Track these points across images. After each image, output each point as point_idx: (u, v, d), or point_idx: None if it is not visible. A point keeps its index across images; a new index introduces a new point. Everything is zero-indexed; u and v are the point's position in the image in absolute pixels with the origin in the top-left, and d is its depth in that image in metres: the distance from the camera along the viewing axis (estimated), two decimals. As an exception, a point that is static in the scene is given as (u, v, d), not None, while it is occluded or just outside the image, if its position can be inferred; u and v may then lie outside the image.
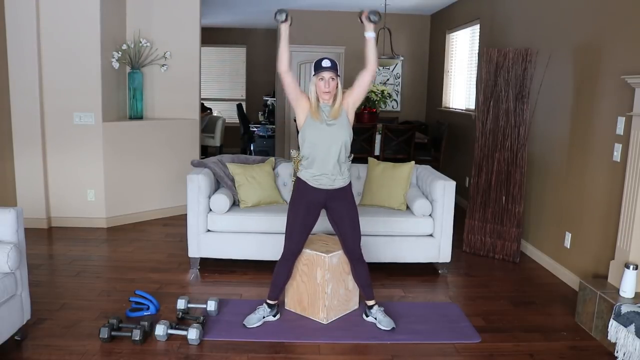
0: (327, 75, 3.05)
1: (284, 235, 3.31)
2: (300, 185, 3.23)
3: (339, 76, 3.10)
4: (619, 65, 3.63)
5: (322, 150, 3.11)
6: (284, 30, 3.07)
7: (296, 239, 3.25)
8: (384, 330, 3.28)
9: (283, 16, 3.04)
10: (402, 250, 4.23)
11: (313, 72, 3.11)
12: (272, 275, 3.36)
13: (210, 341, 3.12)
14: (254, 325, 3.27)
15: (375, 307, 3.38)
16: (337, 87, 3.09)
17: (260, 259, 4.20)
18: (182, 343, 3.07)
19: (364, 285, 3.38)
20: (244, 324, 3.26)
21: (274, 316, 3.38)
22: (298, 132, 3.23)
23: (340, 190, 3.21)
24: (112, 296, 3.73)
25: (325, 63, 3.05)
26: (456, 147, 6.96)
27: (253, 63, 11.31)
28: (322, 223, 3.79)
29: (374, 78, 3.14)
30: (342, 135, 3.11)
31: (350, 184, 3.29)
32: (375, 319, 3.36)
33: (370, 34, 3.08)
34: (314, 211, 3.25)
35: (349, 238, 3.28)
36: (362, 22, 3.10)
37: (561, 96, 4.41)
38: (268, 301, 3.37)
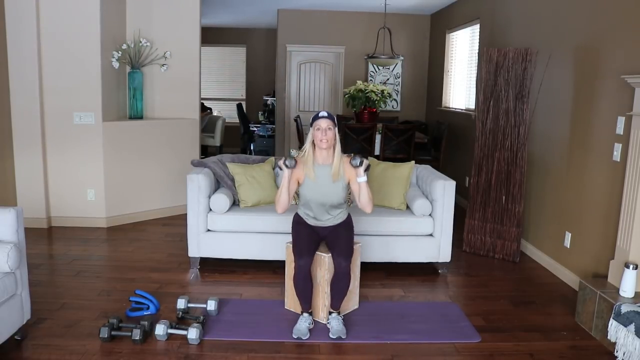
0: (323, 124, 3.14)
1: (291, 250, 3.36)
2: (298, 218, 3.43)
3: (336, 127, 3.19)
4: (619, 65, 3.63)
5: (318, 205, 3.28)
6: (287, 175, 3.20)
7: (305, 250, 3.23)
8: (330, 337, 3.19)
9: (293, 163, 3.16)
10: (402, 250, 4.23)
11: (310, 124, 3.22)
12: (294, 286, 3.31)
13: (210, 341, 3.12)
14: (307, 337, 3.18)
15: (335, 314, 3.30)
16: (334, 138, 3.19)
17: (261, 259, 4.21)
18: (182, 343, 3.07)
19: (336, 297, 3.28)
20: (299, 337, 3.15)
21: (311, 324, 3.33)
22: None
23: (338, 224, 3.38)
24: (112, 296, 3.73)
25: (322, 114, 3.18)
26: (456, 146, 6.96)
27: (253, 63, 11.32)
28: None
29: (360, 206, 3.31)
30: (338, 197, 3.27)
31: (349, 217, 3.44)
32: (329, 323, 3.29)
33: (361, 179, 3.18)
34: (316, 235, 3.38)
35: (342, 256, 3.23)
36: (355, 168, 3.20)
37: (561, 96, 4.41)
38: (304, 313, 3.31)
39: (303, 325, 3.22)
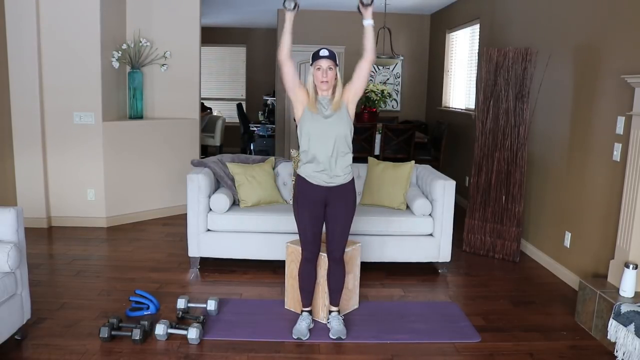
0: (324, 64, 2.97)
1: (298, 238, 3.24)
2: (300, 183, 3.12)
3: (337, 66, 3.01)
4: (619, 65, 3.63)
5: (321, 143, 3.01)
6: (290, 18, 2.95)
7: (311, 236, 3.12)
8: (330, 337, 3.18)
9: (292, 4, 2.92)
10: (402, 250, 4.23)
11: (310, 63, 3.03)
12: (298, 282, 3.27)
13: (210, 341, 3.12)
14: (308, 337, 3.17)
15: (335, 314, 3.27)
16: (335, 77, 3.01)
17: (260, 259, 4.21)
18: (182, 342, 3.07)
19: (334, 290, 3.24)
20: (299, 337, 3.14)
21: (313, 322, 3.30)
22: (297, 126, 3.17)
23: (341, 188, 3.09)
24: (112, 296, 3.73)
25: (323, 52, 2.98)
26: (456, 146, 6.96)
27: (253, 63, 11.32)
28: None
29: (370, 67, 3.07)
30: (342, 128, 3.01)
31: (352, 181, 3.15)
32: (329, 323, 3.27)
33: (368, 22, 2.96)
34: (319, 206, 3.11)
35: (335, 239, 3.15)
36: (360, 12, 2.99)
37: (561, 96, 4.41)
38: (304, 310, 3.28)
39: (303, 325, 3.21)
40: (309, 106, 3.02)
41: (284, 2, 2.92)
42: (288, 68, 3.00)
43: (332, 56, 2.98)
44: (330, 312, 3.30)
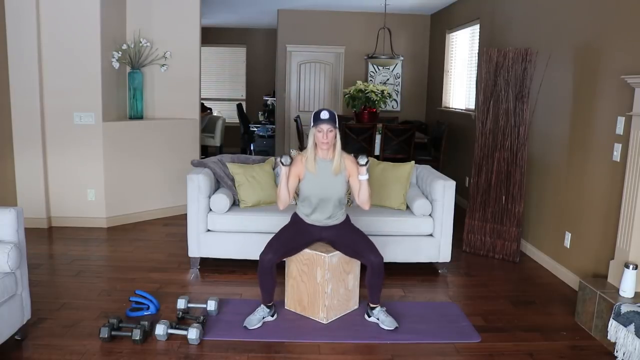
0: (325, 127, 3.17)
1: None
2: (295, 218, 3.46)
3: (337, 128, 3.22)
4: (619, 65, 3.63)
5: (318, 203, 3.31)
6: (285, 172, 3.25)
7: (275, 248, 3.29)
8: (387, 329, 3.28)
9: (288, 160, 3.22)
10: (402, 250, 4.23)
11: (312, 124, 3.23)
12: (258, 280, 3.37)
13: (210, 341, 3.12)
14: (255, 327, 3.27)
15: (378, 308, 3.39)
16: (335, 138, 3.23)
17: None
18: (182, 343, 3.07)
19: (374, 291, 3.37)
20: (245, 326, 3.26)
21: (272, 316, 3.39)
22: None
23: (337, 225, 3.40)
24: (112, 296, 3.73)
25: (324, 115, 3.18)
26: (456, 147, 6.96)
27: (253, 63, 11.32)
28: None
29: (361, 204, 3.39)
30: (338, 191, 3.31)
31: (347, 218, 3.48)
32: (378, 319, 3.36)
33: (363, 177, 3.26)
34: (306, 237, 3.40)
35: (366, 249, 3.32)
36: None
37: (561, 96, 4.41)
38: (264, 304, 3.38)
39: (256, 316, 3.31)
40: (309, 168, 3.26)
41: (281, 158, 3.22)
42: (292, 193, 3.32)
43: (332, 118, 3.20)
44: (372, 308, 3.40)
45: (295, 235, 3.39)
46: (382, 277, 3.34)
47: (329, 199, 3.30)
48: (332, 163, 3.26)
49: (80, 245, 4.80)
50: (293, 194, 3.33)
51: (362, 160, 3.23)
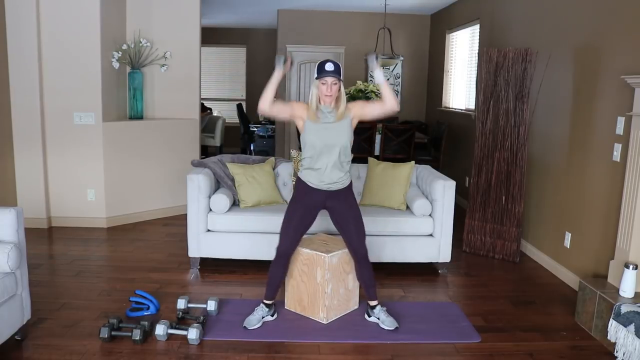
0: (330, 79, 3.06)
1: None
2: (300, 185, 3.27)
3: (341, 80, 3.12)
4: (619, 65, 3.63)
5: (322, 151, 3.13)
6: (278, 76, 3.11)
7: (291, 236, 3.26)
8: (388, 330, 3.28)
9: (282, 60, 3.11)
10: (402, 250, 4.23)
11: (316, 75, 3.11)
12: (269, 270, 3.36)
13: (210, 341, 3.12)
14: (255, 327, 3.27)
15: (378, 307, 3.38)
16: (339, 90, 3.12)
17: (261, 259, 4.20)
18: (182, 343, 3.07)
19: (367, 286, 3.37)
20: (244, 326, 3.25)
21: (272, 316, 3.39)
22: (299, 135, 3.25)
23: (340, 191, 3.24)
24: (112, 296, 3.73)
25: (329, 67, 3.06)
26: (456, 147, 6.96)
27: (253, 63, 11.32)
28: (322, 223, 3.80)
29: (387, 113, 3.24)
30: (343, 138, 3.14)
31: (350, 184, 3.32)
32: (379, 319, 3.36)
33: (377, 78, 3.14)
34: (313, 211, 3.29)
35: (354, 237, 3.28)
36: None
37: (561, 96, 4.41)
38: (265, 301, 3.37)
39: (255, 316, 3.30)
40: (310, 116, 3.12)
41: (276, 57, 3.12)
42: (275, 108, 3.16)
43: (337, 70, 3.07)
44: (372, 307, 3.39)
45: (304, 215, 3.25)
46: (370, 269, 3.32)
47: (333, 146, 3.12)
48: (335, 111, 3.13)
49: (80, 245, 4.80)
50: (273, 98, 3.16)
51: (371, 56, 3.11)
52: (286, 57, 3.13)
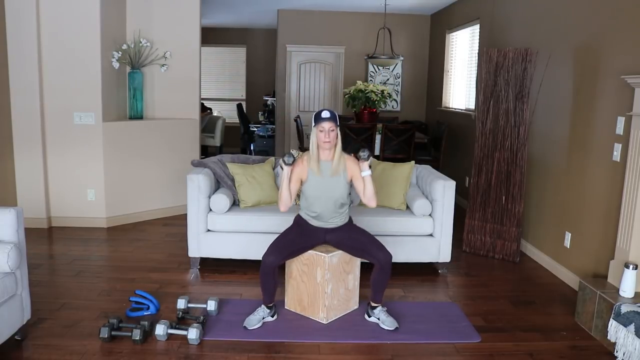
0: (327, 126, 3.18)
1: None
2: (299, 220, 3.45)
3: (338, 126, 3.23)
4: (619, 65, 3.63)
5: (321, 203, 3.30)
6: (287, 173, 3.25)
7: (280, 249, 3.28)
8: (388, 330, 3.28)
9: (291, 160, 3.22)
10: (402, 250, 4.22)
11: (313, 124, 3.24)
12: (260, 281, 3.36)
13: (210, 341, 3.12)
14: (255, 327, 3.27)
15: (379, 308, 3.39)
16: (336, 137, 3.23)
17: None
18: (182, 343, 3.07)
19: (377, 290, 3.37)
20: (244, 326, 3.26)
21: (272, 316, 3.39)
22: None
23: (340, 227, 3.40)
24: (112, 296, 3.73)
25: (325, 114, 3.19)
26: (456, 147, 6.97)
27: (253, 63, 11.32)
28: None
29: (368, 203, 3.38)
30: (341, 191, 3.29)
31: (350, 220, 3.47)
32: (379, 319, 3.36)
33: (365, 173, 3.27)
34: (310, 238, 3.39)
35: (371, 247, 3.32)
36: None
37: (561, 96, 4.41)
38: (262, 305, 3.38)
39: (256, 316, 3.32)
40: (312, 168, 3.26)
41: (283, 157, 3.22)
42: (294, 195, 3.30)
43: (333, 117, 3.20)
44: (373, 308, 3.40)
45: (300, 238, 3.38)
46: (389, 276, 3.34)
47: (331, 199, 3.29)
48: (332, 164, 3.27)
49: (80, 245, 4.80)
50: (295, 196, 3.32)
51: (364, 153, 3.23)
52: (294, 156, 3.26)
